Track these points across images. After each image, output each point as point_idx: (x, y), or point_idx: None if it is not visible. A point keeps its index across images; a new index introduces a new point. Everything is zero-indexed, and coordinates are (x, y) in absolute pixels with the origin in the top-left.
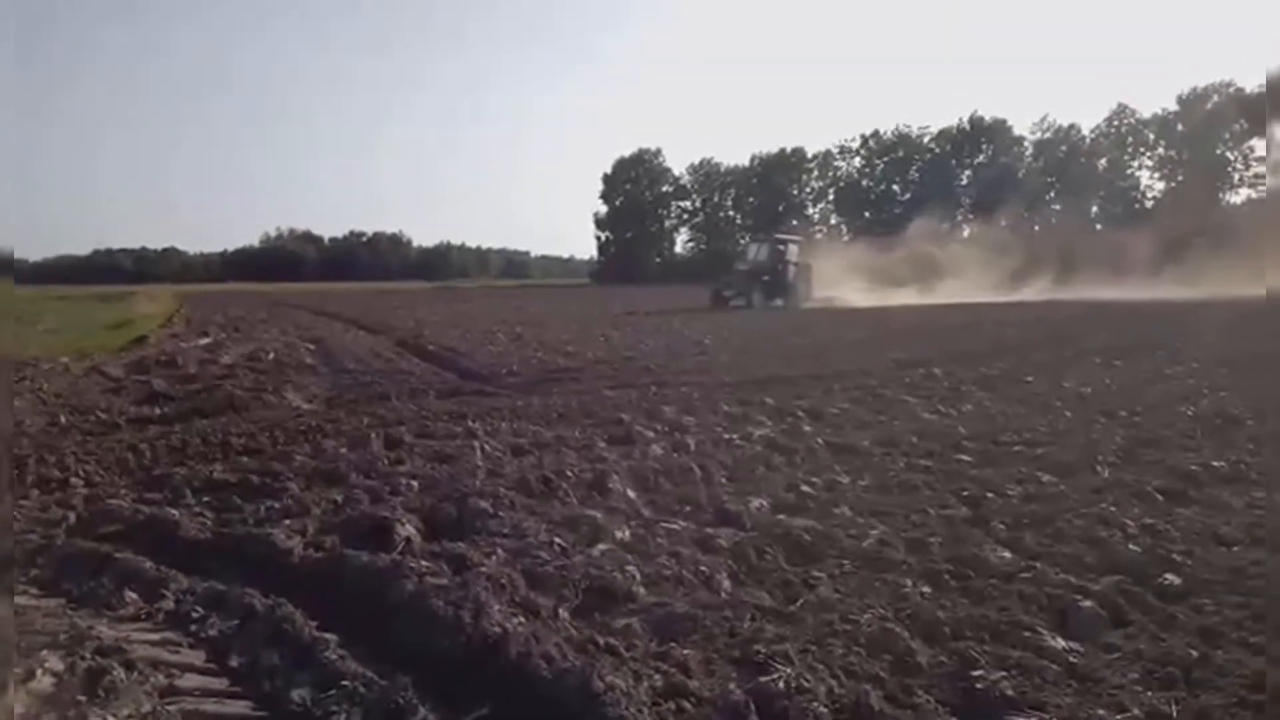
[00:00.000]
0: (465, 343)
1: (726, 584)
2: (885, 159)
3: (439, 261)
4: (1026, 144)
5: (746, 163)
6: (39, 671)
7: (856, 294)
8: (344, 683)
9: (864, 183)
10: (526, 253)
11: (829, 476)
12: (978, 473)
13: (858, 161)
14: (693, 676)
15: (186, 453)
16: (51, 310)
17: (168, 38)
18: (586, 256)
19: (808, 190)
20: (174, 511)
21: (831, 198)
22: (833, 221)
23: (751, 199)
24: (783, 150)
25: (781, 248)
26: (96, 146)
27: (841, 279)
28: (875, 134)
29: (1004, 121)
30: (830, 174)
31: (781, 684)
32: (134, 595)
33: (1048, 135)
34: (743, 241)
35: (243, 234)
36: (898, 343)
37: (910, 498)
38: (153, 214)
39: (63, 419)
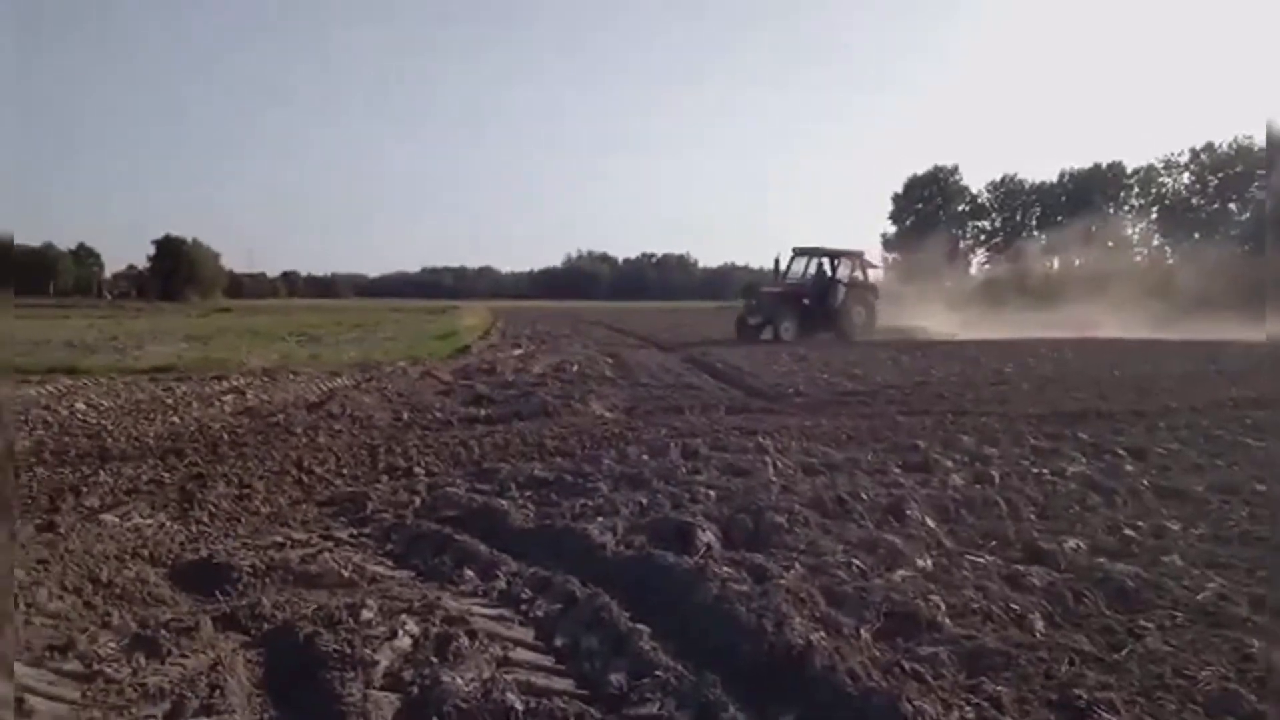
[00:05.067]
0: (750, 362)
1: (1040, 624)
2: (1220, 174)
3: (722, 281)
4: None
5: (1054, 179)
6: (400, 632)
7: (948, 322)
8: (657, 673)
9: (1194, 200)
10: None
11: (1156, 521)
12: None
13: (1186, 178)
14: (1006, 713)
15: (509, 450)
16: (389, 321)
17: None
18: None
19: (1126, 209)
20: (502, 502)
21: (1154, 217)
22: (1155, 243)
23: (1059, 218)
24: (1097, 165)
25: (831, 264)
26: (437, 182)
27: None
28: (1208, 146)
29: None
30: (1153, 191)
31: None
32: (471, 573)
33: None
34: (781, 257)
35: (549, 255)
36: (1234, 378)
37: (1255, 550)
38: (472, 236)
39: (405, 416)
